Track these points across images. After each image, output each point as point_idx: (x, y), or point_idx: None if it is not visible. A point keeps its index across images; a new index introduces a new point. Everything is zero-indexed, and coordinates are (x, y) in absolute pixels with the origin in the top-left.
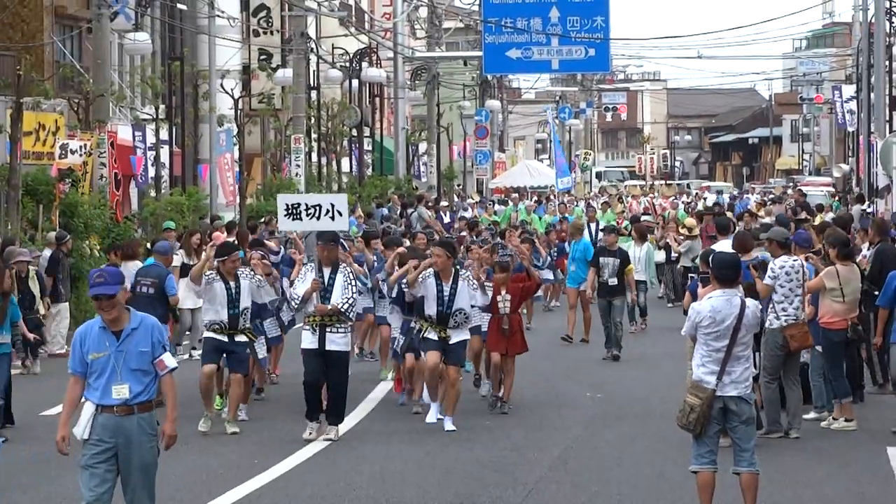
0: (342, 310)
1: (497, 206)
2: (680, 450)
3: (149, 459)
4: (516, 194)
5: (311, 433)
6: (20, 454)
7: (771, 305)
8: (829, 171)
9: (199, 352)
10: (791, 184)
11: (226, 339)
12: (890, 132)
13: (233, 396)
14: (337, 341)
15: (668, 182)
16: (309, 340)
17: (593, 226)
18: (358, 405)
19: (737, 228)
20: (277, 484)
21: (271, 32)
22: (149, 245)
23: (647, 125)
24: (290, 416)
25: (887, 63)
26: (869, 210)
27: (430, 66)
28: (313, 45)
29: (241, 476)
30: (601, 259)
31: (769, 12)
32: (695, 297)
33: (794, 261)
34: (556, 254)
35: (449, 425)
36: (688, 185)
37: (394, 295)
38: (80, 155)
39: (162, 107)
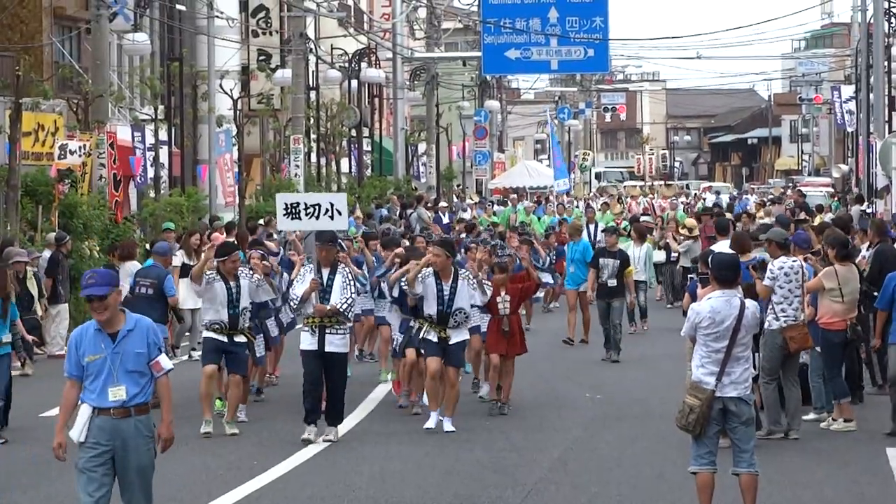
0: (341, 310)
1: (496, 207)
2: (679, 451)
3: (146, 462)
4: (515, 195)
5: (309, 434)
6: (20, 455)
7: (770, 306)
8: (828, 172)
9: (199, 352)
10: (790, 184)
11: (225, 339)
12: (889, 132)
13: (231, 397)
14: (336, 342)
15: (667, 182)
16: (308, 342)
17: (592, 227)
18: (357, 406)
19: (735, 229)
20: (277, 485)
21: (270, 33)
22: (148, 246)
23: (647, 126)
24: (289, 417)
25: (886, 63)
26: (868, 210)
27: (429, 67)
28: (312, 46)
29: (240, 477)
30: (601, 260)
31: (768, 13)
32: (694, 298)
33: (794, 261)
34: (554, 257)
35: (448, 426)
36: (687, 185)
37: (395, 295)
38: (80, 155)
39: (161, 107)
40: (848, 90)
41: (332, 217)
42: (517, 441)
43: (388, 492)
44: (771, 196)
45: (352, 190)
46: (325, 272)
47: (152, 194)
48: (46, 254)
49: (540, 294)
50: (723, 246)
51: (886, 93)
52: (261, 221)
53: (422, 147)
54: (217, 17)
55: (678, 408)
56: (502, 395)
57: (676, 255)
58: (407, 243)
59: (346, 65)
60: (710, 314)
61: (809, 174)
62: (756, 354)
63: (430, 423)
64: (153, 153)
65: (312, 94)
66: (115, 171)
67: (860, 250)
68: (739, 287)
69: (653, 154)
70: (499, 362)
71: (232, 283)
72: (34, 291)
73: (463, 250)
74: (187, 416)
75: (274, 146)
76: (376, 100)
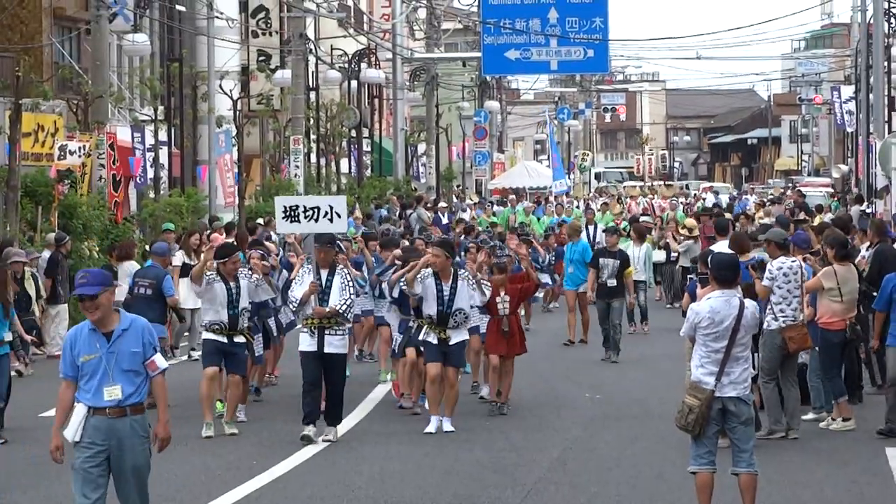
0: (340, 311)
1: (496, 208)
2: (679, 451)
3: (141, 462)
4: (514, 196)
5: (308, 432)
6: (19, 455)
7: (769, 306)
8: (827, 172)
9: (199, 353)
10: (790, 184)
11: (225, 339)
12: (889, 133)
13: (231, 397)
14: (335, 343)
15: (667, 183)
16: (307, 343)
17: (592, 228)
18: (357, 406)
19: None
20: (276, 485)
21: (270, 33)
22: (147, 247)
23: (646, 126)
24: (289, 417)
25: (886, 64)
26: (868, 211)
27: (429, 67)
28: (312, 46)
29: (240, 477)
30: (601, 260)
31: (768, 13)
32: (694, 298)
33: (793, 262)
34: (554, 258)
35: (448, 426)
36: (687, 185)
37: (395, 295)
38: (79, 156)
39: (161, 108)
40: (848, 90)
41: (331, 220)
42: (517, 441)
43: (387, 492)
44: (770, 196)
45: (351, 190)
46: (324, 273)
47: (152, 195)
48: (46, 254)
49: (539, 294)
50: (722, 246)
51: (886, 93)
52: (259, 221)
53: (421, 147)
54: (217, 17)
55: (677, 408)
56: (502, 395)
57: (676, 255)
58: (406, 244)
59: (346, 65)
60: (709, 314)
61: (809, 174)
62: (755, 354)
63: (431, 428)
64: (153, 154)
65: (312, 95)
66: (114, 171)
67: (860, 250)
68: (739, 287)
69: (652, 154)
70: (498, 363)
71: (232, 284)
72: (32, 292)
73: (462, 252)
74: (187, 416)
75: (274, 147)
76: (376, 100)
